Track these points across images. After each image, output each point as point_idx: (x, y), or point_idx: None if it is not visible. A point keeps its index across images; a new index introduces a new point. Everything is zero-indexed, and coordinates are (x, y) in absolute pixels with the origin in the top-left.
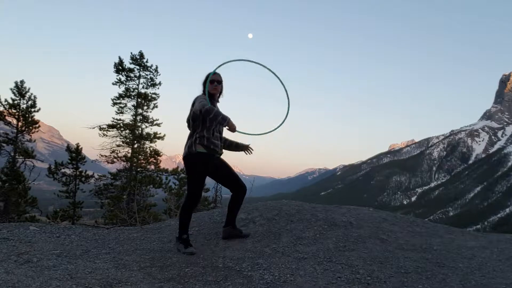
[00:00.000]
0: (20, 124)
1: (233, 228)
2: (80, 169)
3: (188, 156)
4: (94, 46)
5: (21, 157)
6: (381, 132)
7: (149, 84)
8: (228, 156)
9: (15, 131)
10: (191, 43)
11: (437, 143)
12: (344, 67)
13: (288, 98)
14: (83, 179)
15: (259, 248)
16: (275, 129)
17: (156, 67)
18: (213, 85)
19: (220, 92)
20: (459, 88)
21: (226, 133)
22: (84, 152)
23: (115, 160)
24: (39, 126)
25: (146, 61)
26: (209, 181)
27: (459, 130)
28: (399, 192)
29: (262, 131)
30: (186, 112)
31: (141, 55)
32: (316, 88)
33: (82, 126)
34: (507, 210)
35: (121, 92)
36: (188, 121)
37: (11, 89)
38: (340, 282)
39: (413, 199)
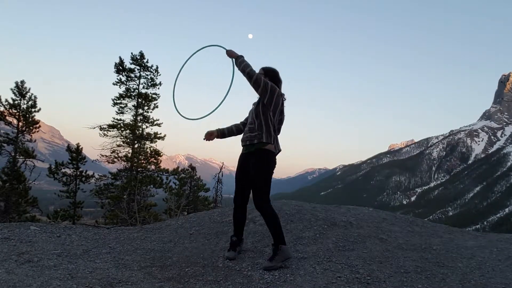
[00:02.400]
0: (20, 124)
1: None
2: (80, 169)
3: None
4: (95, 46)
5: (21, 157)
6: (380, 132)
7: (150, 84)
8: (227, 155)
9: (16, 131)
10: (191, 43)
11: (437, 143)
12: (344, 67)
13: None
14: (83, 179)
15: (259, 248)
16: (208, 114)
17: (157, 67)
18: None
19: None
20: (459, 88)
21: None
22: (84, 152)
23: (115, 160)
24: (39, 126)
25: (147, 61)
26: (210, 180)
27: (458, 130)
28: (398, 192)
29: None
30: (186, 112)
31: (142, 55)
32: (316, 88)
33: (82, 126)
34: (507, 210)
35: (122, 92)
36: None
37: (11, 89)
38: (340, 281)
39: (413, 199)
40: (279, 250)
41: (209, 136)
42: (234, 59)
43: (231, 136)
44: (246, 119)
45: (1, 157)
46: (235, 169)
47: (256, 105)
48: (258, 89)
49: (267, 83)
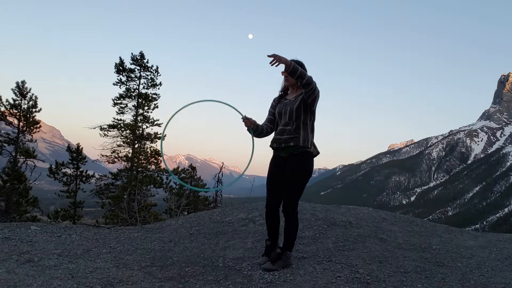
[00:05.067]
0: (21, 124)
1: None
2: (81, 169)
3: None
4: (95, 46)
5: (22, 157)
6: (380, 132)
7: (150, 84)
8: (227, 155)
9: (16, 131)
10: (192, 44)
11: (436, 143)
12: (343, 67)
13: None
14: (84, 179)
15: (259, 247)
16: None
17: (157, 68)
18: (284, 76)
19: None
20: (458, 89)
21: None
22: (85, 152)
23: (116, 160)
24: (40, 126)
25: (147, 62)
26: (210, 180)
27: (458, 130)
28: (398, 192)
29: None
30: (186, 112)
31: (142, 55)
32: None
33: (83, 126)
34: (506, 209)
35: (122, 93)
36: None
37: (12, 89)
38: (340, 281)
39: (412, 199)
40: (283, 255)
41: (249, 122)
42: (289, 68)
43: (260, 136)
44: (270, 121)
45: (2, 157)
46: (235, 169)
47: (297, 107)
48: (313, 95)
49: (317, 88)
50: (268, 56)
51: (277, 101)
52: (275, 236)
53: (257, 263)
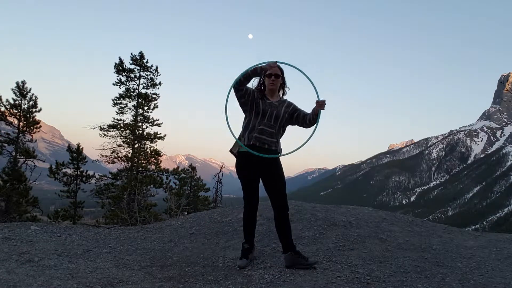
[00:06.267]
0: (21, 124)
1: (295, 254)
2: (81, 169)
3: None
4: (95, 46)
5: (22, 157)
6: (380, 132)
7: (149, 84)
8: (227, 155)
9: (17, 131)
10: (192, 44)
11: (436, 143)
12: (343, 67)
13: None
14: (84, 179)
15: (259, 247)
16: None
17: (156, 68)
18: (270, 79)
19: (282, 87)
20: (458, 89)
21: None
22: (85, 152)
23: (115, 160)
24: (40, 126)
25: (146, 62)
26: (210, 180)
27: (458, 130)
28: (398, 192)
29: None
30: (186, 112)
31: (141, 55)
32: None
33: (83, 126)
34: (506, 209)
35: (122, 93)
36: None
37: (12, 89)
38: (340, 281)
39: (412, 199)
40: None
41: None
42: (319, 112)
43: (241, 85)
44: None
45: (2, 157)
46: (235, 169)
47: (283, 115)
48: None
49: None
50: (322, 102)
51: (260, 97)
52: (253, 238)
53: (237, 266)
